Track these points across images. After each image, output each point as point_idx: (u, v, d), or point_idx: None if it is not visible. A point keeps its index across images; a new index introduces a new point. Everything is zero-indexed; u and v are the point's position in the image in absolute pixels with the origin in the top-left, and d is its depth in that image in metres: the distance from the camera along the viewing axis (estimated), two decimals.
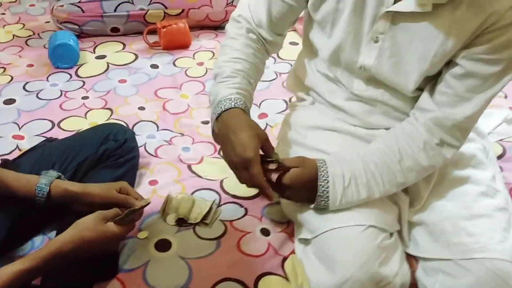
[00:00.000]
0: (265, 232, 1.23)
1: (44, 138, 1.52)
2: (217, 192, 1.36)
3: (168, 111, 1.72)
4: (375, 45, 1.10)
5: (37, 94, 1.78)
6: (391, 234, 1.13)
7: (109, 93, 1.79)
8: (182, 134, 1.61)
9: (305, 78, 1.31)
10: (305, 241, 1.16)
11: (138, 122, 1.65)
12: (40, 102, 1.74)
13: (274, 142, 1.55)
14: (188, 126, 1.65)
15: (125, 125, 1.61)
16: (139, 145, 1.49)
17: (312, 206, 1.10)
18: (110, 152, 1.30)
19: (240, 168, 1.05)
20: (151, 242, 1.18)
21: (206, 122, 1.68)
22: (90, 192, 1.12)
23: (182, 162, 1.47)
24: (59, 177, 1.13)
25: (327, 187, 1.07)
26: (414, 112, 1.14)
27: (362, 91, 1.19)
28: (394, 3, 1.04)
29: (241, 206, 1.31)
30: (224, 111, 1.10)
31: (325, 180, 1.07)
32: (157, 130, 1.62)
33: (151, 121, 1.66)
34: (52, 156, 1.25)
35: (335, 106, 1.25)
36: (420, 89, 1.14)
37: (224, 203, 1.32)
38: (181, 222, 1.25)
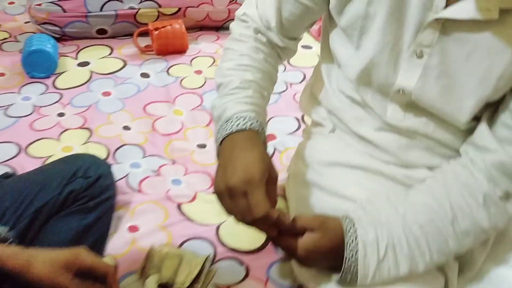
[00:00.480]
0: None
1: (5, 169, 1.28)
2: (211, 243, 1.11)
3: (158, 131, 1.47)
4: (418, 62, 0.85)
5: (6, 110, 1.53)
6: None
7: (90, 109, 1.55)
8: (174, 162, 1.36)
9: (323, 99, 1.06)
10: None
11: (121, 146, 1.40)
12: (7, 120, 1.49)
13: (283, 173, 1.30)
14: (181, 151, 1.40)
15: (105, 149, 1.37)
16: (120, 176, 1.26)
17: (336, 279, 0.84)
18: (78, 193, 1.04)
19: (237, 194, 0.79)
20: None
21: (202, 146, 1.42)
22: (34, 272, 0.86)
23: (170, 200, 1.22)
24: (4, 239, 0.87)
25: (356, 259, 0.81)
26: (467, 151, 0.88)
27: (399, 120, 0.93)
28: (446, 7, 0.78)
29: (242, 263, 1.06)
30: (236, 132, 0.86)
31: (353, 250, 0.81)
32: (143, 157, 1.37)
33: (137, 145, 1.41)
34: (4, 200, 1.00)
35: (362, 138, 0.99)
36: (475, 118, 0.88)
37: (220, 259, 1.07)
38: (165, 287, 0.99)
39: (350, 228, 0.82)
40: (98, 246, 1.05)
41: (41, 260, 0.85)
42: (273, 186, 0.83)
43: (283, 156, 1.39)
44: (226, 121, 0.88)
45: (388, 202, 0.88)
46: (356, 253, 0.81)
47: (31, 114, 1.52)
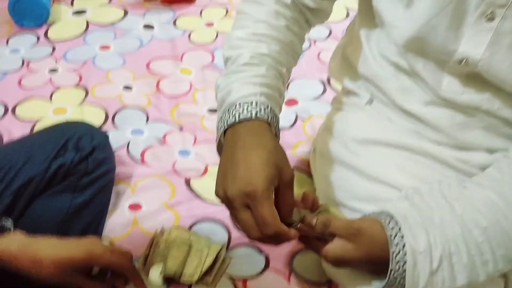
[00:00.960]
0: None
1: None
2: (225, 226, 0.98)
3: (163, 92, 1.32)
4: (488, 26, 0.70)
5: None
6: None
7: (86, 65, 1.39)
8: (181, 129, 1.21)
9: (360, 64, 0.90)
10: None
11: (121, 109, 1.25)
12: None
13: (307, 145, 1.16)
14: (189, 116, 1.25)
15: (103, 112, 1.22)
16: (120, 144, 1.12)
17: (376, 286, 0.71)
18: (69, 168, 0.91)
19: (238, 208, 0.67)
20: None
21: (213, 111, 1.27)
22: (44, 273, 0.74)
23: (177, 175, 1.08)
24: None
25: (403, 272, 0.67)
26: None
27: (456, 94, 0.78)
28: None
29: (261, 251, 0.93)
30: (239, 122, 0.71)
31: (400, 262, 0.67)
32: (147, 122, 1.22)
33: (139, 108, 1.26)
34: None
35: (407, 112, 0.84)
36: None
37: (236, 245, 0.94)
38: (171, 280, 0.87)
39: (396, 234, 0.68)
40: (93, 228, 0.93)
41: (51, 260, 0.72)
42: (287, 191, 0.69)
43: (306, 125, 1.24)
44: (229, 107, 0.74)
45: (442, 197, 0.73)
46: (403, 265, 0.67)
47: (19, 69, 1.37)
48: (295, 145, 1.18)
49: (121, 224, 0.96)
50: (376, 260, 0.68)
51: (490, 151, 0.81)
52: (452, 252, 0.67)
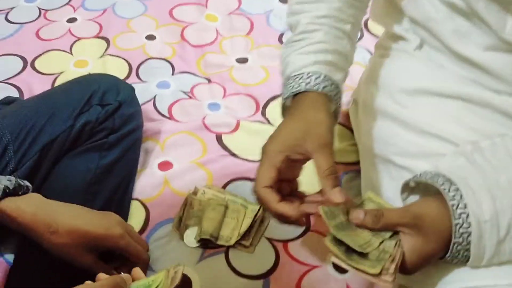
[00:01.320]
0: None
1: (8, 89, 1.09)
2: None
3: (188, 41, 1.24)
4: None
5: (6, 15, 1.31)
6: None
7: (106, 13, 1.32)
8: (209, 81, 1.14)
9: (408, 5, 0.82)
10: None
11: (145, 60, 1.19)
12: (9, 27, 1.28)
13: (345, 97, 1.08)
14: (217, 66, 1.18)
15: (126, 64, 1.16)
16: (146, 99, 1.07)
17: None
18: (95, 125, 0.86)
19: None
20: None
21: (243, 60, 1.20)
22: (56, 242, 0.70)
23: (208, 130, 1.02)
24: (6, 190, 0.70)
25: (468, 243, 0.61)
26: None
27: None
28: None
29: None
30: (287, 97, 0.72)
31: (464, 234, 0.61)
32: (173, 74, 1.16)
33: (163, 59, 1.19)
34: (4, 133, 0.82)
35: (464, 58, 0.76)
36: None
37: None
38: (207, 243, 0.83)
39: (458, 204, 0.61)
40: (123, 190, 0.89)
41: (67, 229, 0.69)
42: (318, 158, 0.63)
43: None
44: (285, 82, 0.73)
45: (506, 153, 0.66)
46: (468, 237, 0.61)
47: (36, 19, 1.30)
48: None
49: (152, 185, 0.92)
50: (445, 238, 0.62)
51: None
52: None
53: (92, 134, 0.86)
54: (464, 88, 0.77)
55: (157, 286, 0.62)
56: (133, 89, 0.94)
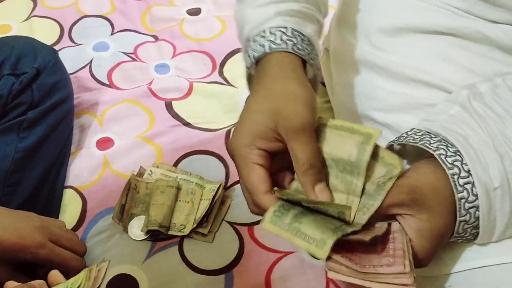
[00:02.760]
0: None
1: None
2: (221, 160, 0.80)
3: None
4: None
5: None
6: None
7: None
8: (156, 38, 1.01)
9: None
10: None
11: (79, 19, 1.06)
12: None
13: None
14: (164, 21, 1.05)
15: (56, 26, 1.03)
16: (81, 64, 0.94)
17: None
18: (7, 100, 0.73)
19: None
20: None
21: (195, 12, 1.07)
22: None
23: (155, 97, 0.89)
24: None
25: (475, 220, 0.50)
26: None
27: None
28: None
29: None
30: (251, 66, 0.58)
31: (471, 209, 0.50)
32: (112, 33, 1.02)
33: (101, 16, 1.05)
34: None
35: None
36: None
37: (235, 183, 0.77)
38: (157, 234, 0.71)
39: (460, 172, 0.49)
40: (52, 177, 0.77)
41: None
42: (294, 144, 0.49)
43: None
44: (245, 45, 0.60)
45: (511, 95, 0.54)
46: (476, 212, 0.49)
47: None
48: None
49: (89, 168, 0.79)
50: (453, 208, 0.50)
51: None
52: None
53: (5, 111, 0.73)
54: (454, 21, 0.65)
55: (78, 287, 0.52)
56: (55, 52, 0.80)
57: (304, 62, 0.55)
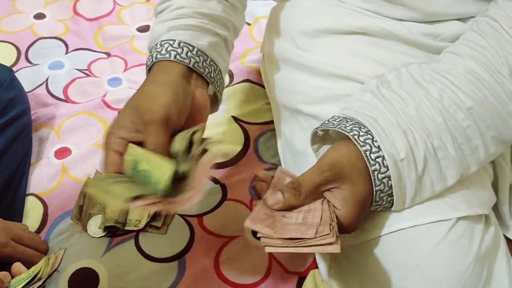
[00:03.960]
0: None
1: None
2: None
3: (82, 15, 1.16)
4: None
5: None
6: (486, 217, 0.66)
7: None
8: (108, 55, 1.07)
9: None
10: None
11: (35, 41, 1.10)
12: None
13: (256, 55, 1.04)
14: (116, 38, 1.11)
15: (13, 49, 1.08)
16: (38, 82, 0.99)
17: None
18: None
19: None
20: (62, 276, 0.71)
21: (144, 29, 1.13)
22: None
23: (109, 108, 0.95)
24: None
25: (389, 189, 0.58)
26: None
27: None
28: None
29: (216, 181, 0.83)
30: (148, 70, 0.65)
31: (384, 179, 0.57)
32: (66, 53, 1.07)
33: (55, 37, 1.10)
34: None
35: None
36: None
37: None
38: (115, 230, 0.77)
39: (371, 148, 0.57)
40: (14, 186, 0.81)
41: None
42: (147, 136, 0.56)
43: (253, 29, 1.11)
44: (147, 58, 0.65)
45: (413, 81, 0.62)
46: (388, 181, 0.57)
47: None
48: (243, 54, 1.06)
49: (48, 176, 0.84)
50: (368, 176, 0.57)
51: (463, 19, 0.70)
52: (437, 147, 0.58)
53: None
54: (364, 21, 0.73)
55: (37, 274, 0.58)
56: (10, 70, 0.85)
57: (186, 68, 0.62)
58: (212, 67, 0.64)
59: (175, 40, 0.62)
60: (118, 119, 0.58)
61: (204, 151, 0.56)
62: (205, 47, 0.63)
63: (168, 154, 0.55)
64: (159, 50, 0.62)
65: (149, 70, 0.64)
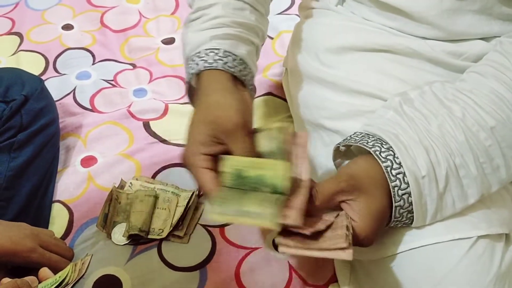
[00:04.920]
0: None
1: None
2: None
3: (109, 27, 1.19)
4: None
5: None
6: (507, 236, 0.66)
7: (18, 7, 1.25)
8: (134, 66, 1.09)
9: None
10: (354, 262, 0.71)
11: (63, 52, 1.13)
12: None
13: (280, 68, 1.05)
14: (141, 50, 1.14)
15: (42, 59, 1.10)
16: (65, 92, 1.02)
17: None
18: None
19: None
20: (87, 282, 0.72)
21: (169, 41, 1.16)
22: None
23: (134, 118, 0.97)
24: None
25: (409, 205, 0.58)
26: None
27: None
28: None
29: None
30: (190, 81, 0.66)
31: (404, 196, 0.58)
32: (93, 63, 1.10)
33: (83, 48, 1.13)
34: None
35: (387, 6, 0.74)
36: None
37: None
38: (138, 238, 0.78)
39: (392, 164, 0.58)
40: (42, 193, 0.84)
41: None
42: (234, 144, 0.57)
43: (276, 44, 1.13)
44: (186, 64, 0.67)
45: (436, 100, 0.63)
46: (408, 198, 0.58)
47: None
48: (265, 67, 1.07)
49: (74, 183, 0.86)
50: (387, 191, 0.58)
51: (486, 38, 0.71)
52: (459, 166, 0.59)
53: None
54: (388, 39, 0.74)
55: (65, 279, 0.59)
56: (41, 81, 0.88)
57: (235, 77, 0.63)
58: (250, 75, 0.66)
59: (219, 49, 0.63)
60: (193, 137, 0.58)
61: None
62: (244, 56, 0.65)
63: (258, 155, 0.57)
64: (205, 59, 0.63)
65: (195, 76, 0.64)
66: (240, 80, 0.64)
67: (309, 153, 0.57)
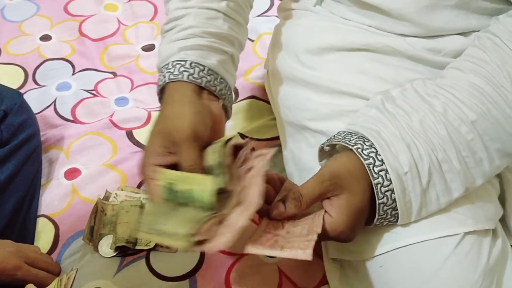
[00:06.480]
0: None
1: None
2: None
3: (88, 36, 1.18)
4: None
5: None
6: (493, 230, 0.66)
7: None
8: (114, 74, 1.08)
9: None
10: (343, 263, 0.71)
11: (42, 63, 1.11)
12: None
13: (261, 70, 1.05)
14: (121, 58, 1.13)
15: (21, 71, 1.09)
16: (46, 104, 1.00)
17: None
18: None
19: None
20: (68, 286, 0.72)
21: (149, 48, 1.15)
22: None
23: (116, 127, 0.96)
24: None
25: (393, 202, 0.59)
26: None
27: None
28: None
29: None
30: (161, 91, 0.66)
31: (387, 192, 0.58)
32: (73, 74, 1.09)
33: (62, 59, 1.12)
34: None
35: (366, 4, 0.74)
36: None
37: None
38: (126, 250, 0.77)
39: (374, 161, 0.58)
40: (25, 208, 0.82)
41: None
42: (180, 155, 0.58)
43: (257, 46, 1.13)
44: (158, 77, 0.67)
45: (417, 96, 0.63)
46: (392, 194, 0.58)
47: None
48: (247, 70, 1.07)
49: (59, 196, 0.85)
50: (368, 188, 0.58)
51: (465, 33, 0.71)
52: (441, 160, 0.59)
53: None
54: (368, 38, 0.74)
55: None
56: (20, 95, 0.87)
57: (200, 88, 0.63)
58: (223, 84, 0.66)
59: (186, 61, 0.63)
60: (148, 147, 0.59)
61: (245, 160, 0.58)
62: (214, 66, 0.65)
63: (203, 169, 0.56)
64: (172, 70, 0.63)
65: (161, 90, 0.65)
66: (209, 90, 0.64)
67: (266, 170, 0.56)
